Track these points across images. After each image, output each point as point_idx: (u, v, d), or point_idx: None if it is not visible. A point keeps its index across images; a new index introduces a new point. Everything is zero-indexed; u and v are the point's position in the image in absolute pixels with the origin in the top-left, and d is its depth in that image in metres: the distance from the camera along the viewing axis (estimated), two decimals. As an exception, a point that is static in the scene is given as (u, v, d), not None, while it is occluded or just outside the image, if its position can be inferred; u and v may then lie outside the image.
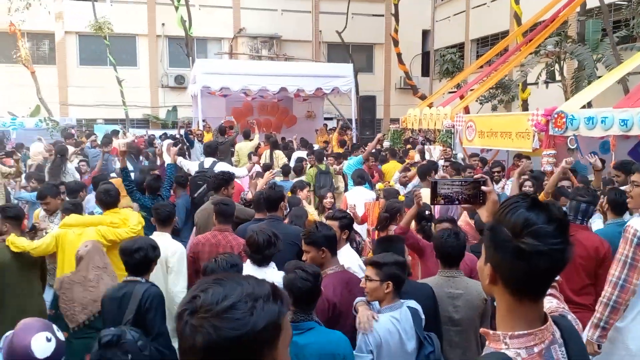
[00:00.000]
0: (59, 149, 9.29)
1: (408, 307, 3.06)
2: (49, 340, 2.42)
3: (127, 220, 5.03)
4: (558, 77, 14.64)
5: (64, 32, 22.50)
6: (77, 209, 5.33)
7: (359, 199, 7.23)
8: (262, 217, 4.94)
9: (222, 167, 7.64)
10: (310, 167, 9.47)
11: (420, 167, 7.52)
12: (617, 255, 3.30)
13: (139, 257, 3.47)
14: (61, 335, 2.52)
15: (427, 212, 4.91)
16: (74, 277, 3.94)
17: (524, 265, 1.34)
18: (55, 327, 2.57)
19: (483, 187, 2.09)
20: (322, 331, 2.75)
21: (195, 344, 1.08)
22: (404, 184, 8.22)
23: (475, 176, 2.18)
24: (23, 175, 8.64)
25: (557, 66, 14.26)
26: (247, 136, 12.18)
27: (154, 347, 2.99)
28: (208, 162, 7.86)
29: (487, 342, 1.46)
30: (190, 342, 1.09)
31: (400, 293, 3.06)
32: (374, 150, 11.24)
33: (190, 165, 7.88)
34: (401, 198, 6.47)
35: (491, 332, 1.44)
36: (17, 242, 4.47)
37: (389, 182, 8.48)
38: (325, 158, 9.74)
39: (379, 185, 7.50)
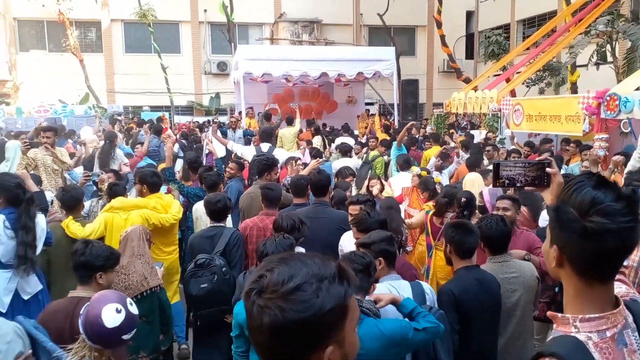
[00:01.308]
0: (108, 135, 9.49)
1: (413, 283, 3.14)
2: (118, 311, 2.51)
3: (169, 206, 5.16)
4: (609, 58, 14.07)
5: (109, 20, 22.96)
6: (120, 191, 5.41)
7: (404, 185, 7.17)
8: (301, 202, 4.93)
9: (280, 152, 7.70)
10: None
11: (468, 159, 7.46)
12: None
13: (221, 206, 4.41)
14: (134, 310, 2.61)
15: (463, 200, 4.85)
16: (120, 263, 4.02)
17: (592, 245, 1.31)
18: (129, 300, 2.65)
19: (548, 169, 2.03)
20: (373, 322, 2.64)
21: (262, 324, 1.09)
22: (440, 169, 8.14)
23: (540, 157, 2.13)
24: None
25: (608, 47, 13.70)
26: (290, 122, 12.25)
27: (232, 275, 4.03)
28: (265, 147, 7.88)
29: (554, 326, 1.42)
30: (258, 321, 1.10)
31: (393, 266, 3.13)
32: (419, 137, 11.15)
33: (245, 150, 7.91)
34: (437, 180, 6.39)
35: (559, 315, 1.41)
36: (72, 227, 4.59)
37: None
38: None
39: (412, 169, 7.40)
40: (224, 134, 11.73)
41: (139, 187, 5.33)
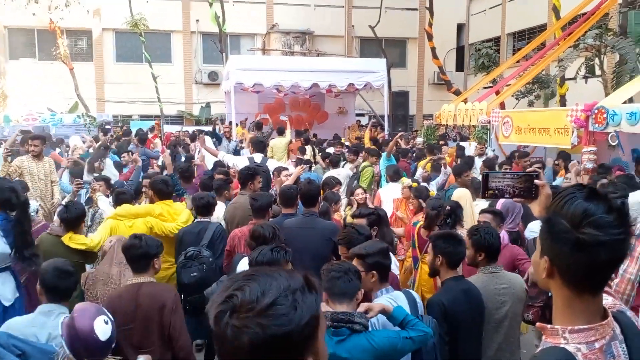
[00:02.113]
0: (102, 142, 9.47)
1: (405, 292, 3.18)
2: (106, 322, 2.55)
3: (177, 214, 5.12)
4: (598, 72, 14.23)
5: (101, 29, 22.93)
6: (126, 198, 5.43)
7: (394, 196, 7.18)
8: (290, 213, 4.87)
9: (273, 163, 7.66)
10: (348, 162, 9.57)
11: (455, 166, 7.46)
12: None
13: (204, 202, 4.95)
14: (111, 317, 2.63)
15: (447, 208, 4.87)
16: (97, 273, 3.99)
17: (584, 257, 1.31)
18: (105, 309, 2.68)
19: (536, 181, 2.05)
20: (363, 336, 2.60)
21: (241, 344, 1.04)
22: (426, 180, 8.15)
23: (528, 169, 2.13)
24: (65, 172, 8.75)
25: (597, 60, 13.86)
26: (281, 133, 12.26)
27: (217, 264, 4.59)
28: (258, 157, 7.80)
29: (543, 337, 1.42)
30: (235, 343, 1.05)
31: (386, 279, 3.11)
32: (410, 147, 11.15)
33: (237, 160, 7.79)
34: (432, 194, 6.41)
35: (549, 326, 1.41)
36: (76, 238, 4.50)
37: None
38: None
39: (402, 181, 7.39)
40: (220, 140, 11.72)
41: (150, 192, 5.44)
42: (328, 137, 15.29)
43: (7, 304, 4.20)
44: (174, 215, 5.11)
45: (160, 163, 10.29)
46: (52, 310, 3.01)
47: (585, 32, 13.09)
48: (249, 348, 1.04)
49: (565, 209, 1.35)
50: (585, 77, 14.54)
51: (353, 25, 25.24)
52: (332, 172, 8.49)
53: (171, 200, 5.30)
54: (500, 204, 5.52)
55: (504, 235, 4.94)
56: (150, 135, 13.93)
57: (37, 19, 20.25)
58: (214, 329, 1.09)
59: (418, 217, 5.64)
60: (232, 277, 1.16)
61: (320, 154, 11.13)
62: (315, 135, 15.82)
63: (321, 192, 6.30)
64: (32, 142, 7.44)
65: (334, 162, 9.25)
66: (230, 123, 15.34)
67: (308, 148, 11.51)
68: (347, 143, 14.43)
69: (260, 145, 8.31)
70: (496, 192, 2.11)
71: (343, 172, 8.83)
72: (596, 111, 8.18)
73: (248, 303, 1.06)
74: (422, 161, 9.92)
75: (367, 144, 13.31)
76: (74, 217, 4.56)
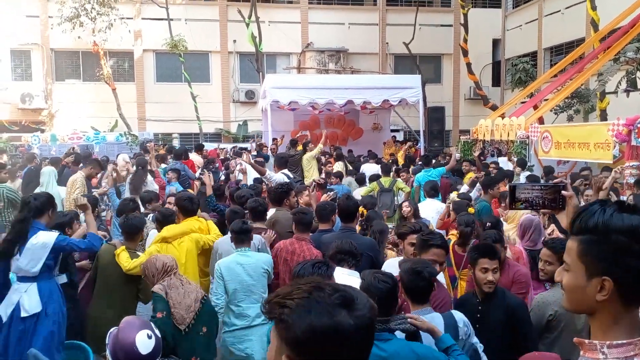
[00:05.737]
0: (140, 161, 9.69)
1: (446, 315, 3.08)
2: (149, 337, 2.59)
3: (209, 227, 5.25)
4: (640, 85, 13.94)
5: (142, 51, 23.64)
6: (169, 218, 5.29)
7: (431, 211, 7.17)
8: (327, 228, 4.95)
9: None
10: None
11: (484, 179, 7.40)
12: None
13: (257, 205, 5.50)
14: (159, 333, 2.68)
15: (488, 224, 4.83)
16: (175, 282, 4.02)
17: None
18: (153, 325, 2.74)
19: (563, 192, 2.07)
20: (402, 342, 2.65)
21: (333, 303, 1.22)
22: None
23: (555, 180, 2.15)
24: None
25: (638, 74, 13.58)
26: (305, 147, 12.50)
27: None
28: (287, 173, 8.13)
29: (581, 352, 1.42)
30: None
31: (425, 301, 3.06)
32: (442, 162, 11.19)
33: (280, 177, 7.99)
34: (471, 210, 6.35)
35: (586, 341, 1.40)
36: (121, 257, 4.63)
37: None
38: (392, 172, 9.76)
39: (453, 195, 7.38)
40: (267, 159, 11.90)
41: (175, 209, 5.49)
42: (363, 153, 15.33)
43: (23, 314, 4.17)
44: (205, 230, 5.22)
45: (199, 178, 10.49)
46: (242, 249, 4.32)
47: (625, 45, 12.86)
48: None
49: (616, 225, 1.34)
50: (627, 91, 14.23)
51: (387, 43, 25.34)
52: (358, 191, 8.81)
53: (196, 217, 5.33)
54: (520, 220, 5.42)
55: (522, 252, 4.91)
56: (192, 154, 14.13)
57: (82, 42, 21.05)
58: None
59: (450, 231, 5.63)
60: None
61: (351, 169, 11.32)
62: (350, 151, 15.90)
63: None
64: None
65: (359, 180, 9.53)
66: (275, 139, 15.50)
67: (340, 164, 11.59)
68: (384, 159, 14.46)
69: (283, 162, 8.66)
70: (525, 203, 2.13)
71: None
72: (639, 125, 8.03)
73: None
74: (467, 176, 9.97)
75: (401, 161, 13.33)
76: (131, 225, 4.79)
